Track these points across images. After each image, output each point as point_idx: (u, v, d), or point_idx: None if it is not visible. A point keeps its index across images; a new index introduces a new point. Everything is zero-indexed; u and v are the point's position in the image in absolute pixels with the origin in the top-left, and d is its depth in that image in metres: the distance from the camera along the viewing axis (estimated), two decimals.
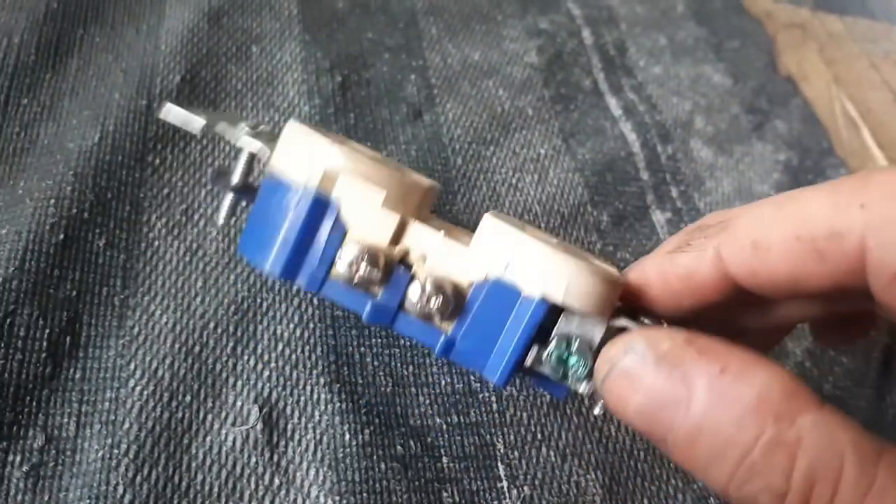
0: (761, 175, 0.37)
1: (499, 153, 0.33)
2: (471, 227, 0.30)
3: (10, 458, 0.22)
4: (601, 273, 0.20)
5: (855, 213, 0.17)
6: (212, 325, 0.26)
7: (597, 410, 0.21)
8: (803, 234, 0.18)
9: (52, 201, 0.26)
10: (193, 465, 0.23)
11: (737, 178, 0.37)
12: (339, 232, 0.20)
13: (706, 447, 0.17)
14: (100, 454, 0.23)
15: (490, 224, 0.20)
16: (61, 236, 0.26)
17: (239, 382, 0.25)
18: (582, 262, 0.20)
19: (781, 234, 0.18)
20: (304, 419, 0.24)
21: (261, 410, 0.24)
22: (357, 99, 0.33)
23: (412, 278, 0.20)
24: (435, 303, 0.20)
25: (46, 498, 0.22)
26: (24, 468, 0.22)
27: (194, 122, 0.22)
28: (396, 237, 0.20)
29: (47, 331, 0.24)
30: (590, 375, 0.20)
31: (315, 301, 0.27)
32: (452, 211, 0.31)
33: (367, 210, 0.20)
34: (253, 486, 0.23)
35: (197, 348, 0.25)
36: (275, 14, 0.35)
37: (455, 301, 0.20)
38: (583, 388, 0.20)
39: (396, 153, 0.32)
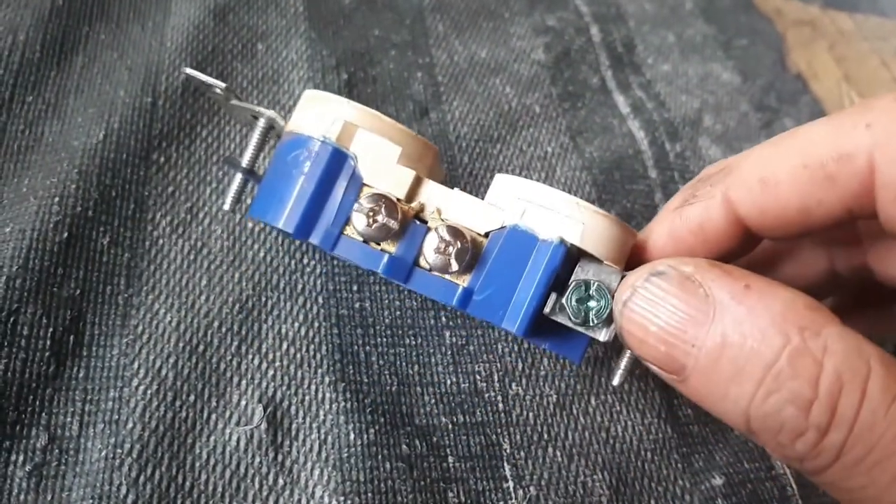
0: None
1: (506, 151, 0.33)
2: None
3: (14, 457, 0.22)
4: (615, 220, 0.20)
5: (861, 133, 0.17)
6: (216, 323, 0.25)
7: (616, 380, 0.21)
8: (811, 161, 0.18)
9: (57, 199, 0.26)
10: (197, 464, 0.23)
11: None
12: (356, 186, 0.20)
13: (729, 363, 0.16)
14: (103, 453, 0.22)
15: (504, 179, 0.21)
16: (65, 234, 0.26)
17: (243, 382, 0.25)
18: (596, 208, 0.20)
19: (788, 165, 0.18)
20: (308, 419, 0.24)
21: (265, 410, 0.24)
22: (363, 96, 0.33)
23: (428, 230, 0.20)
24: (453, 250, 0.20)
25: (49, 497, 0.22)
26: (28, 467, 0.22)
27: (217, 84, 0.22)
28: (411, 194, 0.20)
29: (51, 329, 0.24)
30: (609, 320, 0.20)
31: (320, 300, 0.27)
32: None
33: (384, 165, 0.20)
34: (257, 486, 0.23)
35: (201, 347, 0.25)
36: (281, 11, 0.35)
37: (472, 250, 0.20)
38: (603, 335, 0.20)
39: None
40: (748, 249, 0.21)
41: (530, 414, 0.26)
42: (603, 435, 0.26)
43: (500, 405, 0.26)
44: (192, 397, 0.24)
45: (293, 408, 0.24)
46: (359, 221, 0.20)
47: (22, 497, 0.22)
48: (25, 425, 0.23)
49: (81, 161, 0.27)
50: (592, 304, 0.20)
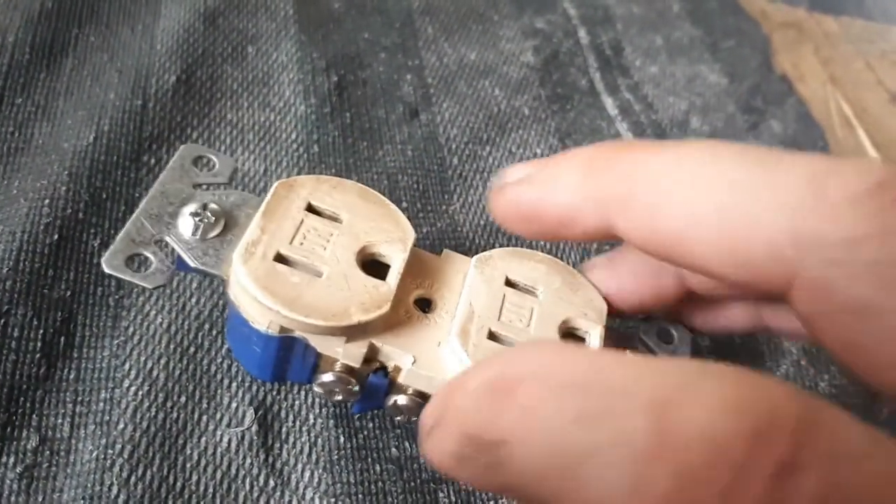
0: None
1: (495, 153, 0.33)
2: (467, 226, 0.30)
3: (4, 459, 0.22)
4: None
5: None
6: (207, 325, 0.25)
7: None
8: (741, 248, 0.16)
9: (47, 201, 0.26)
10: (188, 465, 0.23)
11: None
12: (312, 356, 0.20)
13: None
14: (94, 454, 0.22)
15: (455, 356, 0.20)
16: (56, 236, 0.26)
17: (234, 384, 0.25)
18: None
19: (709, 238, 0.16)
20: (298, 422, 0.24)
21: (256, 412, 0.24)
22: (353, 99, 0.33)
23: (390, 385, 0.21)
24: (411, 413, 0.21)
25: (40, 499, 0.22)
26: (18, 469, 0.22)
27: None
28: (369, 357, 0.20)
29: (41, 331, 0.24)
30: None
31: None
32: (449, 211, 0.31)
33: (333, 345, 0.20)
34: (248, 487, 0.23)
35: (192, 349, 0.25)
36: (270, 14, 0.35)
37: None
38: None
39: (393, 153, 0.32)
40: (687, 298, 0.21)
41: None
42: None
43: None
44: (182, 399, 0.24)
45: (283, 411, 0.25)
46: (321, 393, 0.21)
47: (13, 499, 0.22)
48: (16, 427, 0.23)
49: (72, 163, 0.27)
50: None
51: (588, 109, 0.37)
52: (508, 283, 0.21)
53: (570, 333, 0.21)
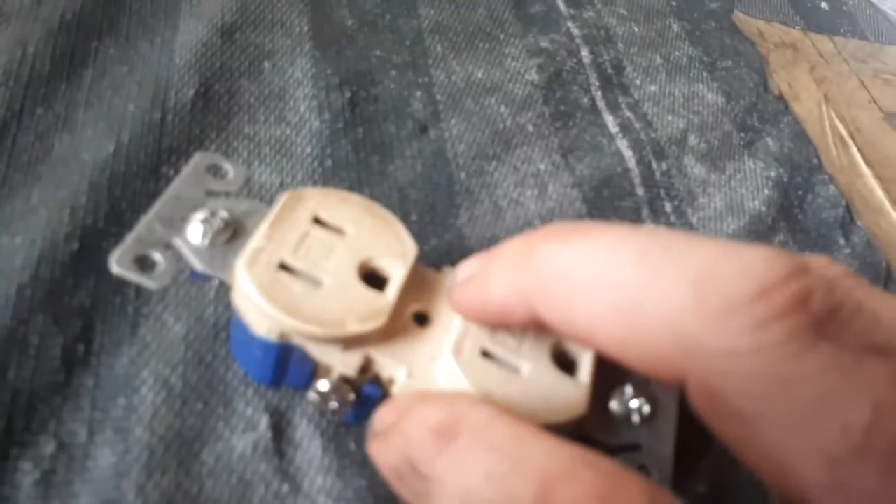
0: (752, 191, 0.38)
1: (501, 168, 0.34)
2: (473, 239, 0.31)
3: (22, 465, 0.22)
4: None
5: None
6: (223, 334, 0.26)
7: None
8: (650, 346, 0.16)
9: (67, 211, 0.27)
10: (204, 471, 0.24)
11: (728, 193, 0.38)
12: (310, 363, 0.21)
13: None
14: (111, 461, 0.23)
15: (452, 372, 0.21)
16: (76, 246, 0.26)
17: (249, 390, 0.25)
18: None
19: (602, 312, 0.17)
20: (311, 427, 0.25)
21: (270, 418, 0.25)
22: (365, 114, 0.34)
23: (384, 396, 0.21)
24: None
25: None
26: (36, 475, 0.22)
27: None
28: (365, 367, 0.21)
29: (61, 338, 0.24)
30: None
31: None
32: (456, 224, 0.31)
33: (330, 353, 0.21)
34: (262, 491, 0.24)
35: (209, 356, 0.26)
36: (286, 31, 0.36)
37: None
38: None
39: (403, 167, 0.33)
40: None
41: None
42: None
43: None
44: (199, 405, 0.25)
45: (297, 417, 0.25)
46: (316, 400, 0.21)
47: None
48: (34, 433, 0.23)
49: (92, 173, 0.28)
50: None
51: (590, 127, 0.38)
52: None
53: (561, 354, 0.21)
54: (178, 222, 0.21)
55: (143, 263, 0.20)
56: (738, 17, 0.50)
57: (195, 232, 0.21)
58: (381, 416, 0.19)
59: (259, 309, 0.20)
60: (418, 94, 0.36)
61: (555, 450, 0.16)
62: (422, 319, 0.22)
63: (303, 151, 0.32)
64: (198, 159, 0.22)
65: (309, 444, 0.25)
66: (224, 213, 0.21)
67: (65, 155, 0.29)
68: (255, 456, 0.24)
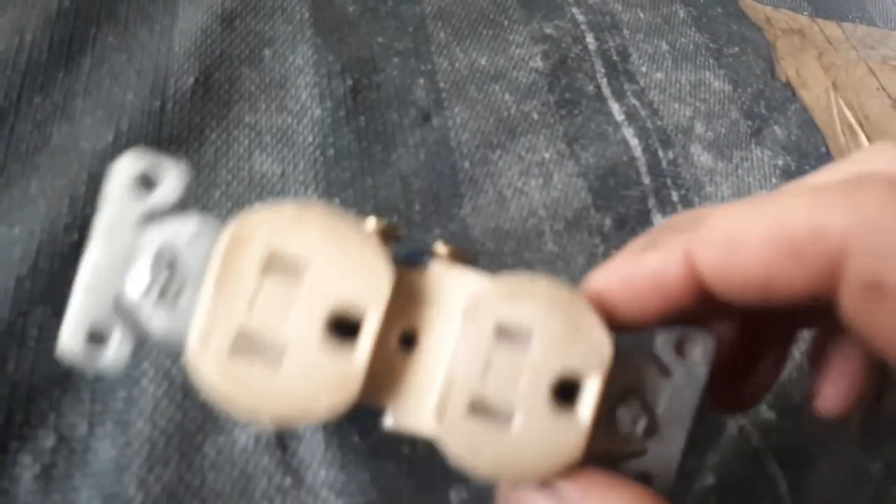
0: (760, 180, 0.38)
1: (505, 157, 0.34)
2: (477, 229, 0.31)
3: (22, 458, 0.22)
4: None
5: (839, 213, 0.16)
6: None
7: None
8: (782, 232, 0.17)
9: (66, 201, 0.26)
10: (206, 464, 0.23)
11: (736, 182, 0.37)
12: None
13: None
14: (112, 454, 0.23)
15: None
16: (75, 236, 0.26)
17: None
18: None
19: (758, 231, 0.17)
20: None
21: None
22: (368, 102, 0.33)
23: None
24: None
25: (58, 499, 0.22)
26: (36, 469, 0.22)
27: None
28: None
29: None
30: None
31: None
32: (460, 214, 0.31)
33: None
34: (265, 485, 0.23)
35: None
36: (287, 17, 0.35)
37: None
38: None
39: (406, 156, 0.33)
40: (711, 313, 0.20)
41: None
42: None
43: None
44: (200, 397, 0.24)
45: None
46: None
47: (30, 498, 0.22)
48: (34, 427, 0.23)
49: (91, 163, 0.28)
50: None
51: (595, 115, 0.37)
52: (500, 329, 0.19)
53: (564, 382, 0.19)
54: (115, 280, 0.17)
55: (96, 342, 0.17)
56: (746, 2, 0.49)
57: (137, 287, 0.17)
58: None
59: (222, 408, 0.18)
60: (421, 81, 0.35)
61: None
62: (409, 340, 0.19)
63: (304, 140, 0.31)
64: (120, 173, 0.18)
65: (311, 437, 0.25)
66: (168, 250, 0.17)
67: (63, 144, 0.28)
68: (258, 449, 0.24)
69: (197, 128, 0.30)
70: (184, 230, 0.18)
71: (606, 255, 0.32)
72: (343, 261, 0.18)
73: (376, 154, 0.32)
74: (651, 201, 0.35)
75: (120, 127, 0.29)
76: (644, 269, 0.19)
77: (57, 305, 0.25)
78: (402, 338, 0.19)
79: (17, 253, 0.25)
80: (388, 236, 0.20)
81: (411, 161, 0.32)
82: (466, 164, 0.33)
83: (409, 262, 0.19)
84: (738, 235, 0.17)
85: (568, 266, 0.31)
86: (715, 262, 0.18)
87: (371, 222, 0.20)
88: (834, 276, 0.16)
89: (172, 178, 0.18)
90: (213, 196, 0.29)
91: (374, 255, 0.18)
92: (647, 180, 0.36)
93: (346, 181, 0.31)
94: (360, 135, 0.32)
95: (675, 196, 0.35)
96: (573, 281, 0.31)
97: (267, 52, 0.33)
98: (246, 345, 0.17)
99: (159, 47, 0.32)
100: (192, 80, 0.31)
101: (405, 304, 0.19)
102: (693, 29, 0.45)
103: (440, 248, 0.20)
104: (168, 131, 0.30)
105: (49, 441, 0.23)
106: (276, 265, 0.18)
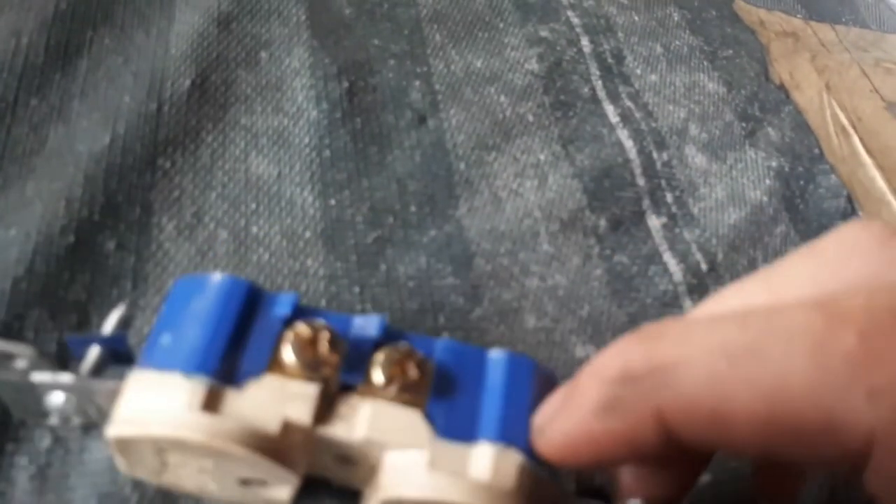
0: (754, 181, 0.38)
1: (500, 158, 0.34)
2: (473, 231, 0.31)
3: (18, 459, 0.22)
4: None
5: (859, 401, 0.13)
6: None
7: None
8: (783, 409, 0.14)
9: (63, 203, 0.27)
10: None
11: (730, 184, 0.37)
12: None
13: None
14: (107, 454, 0.23)
15: None
16: (71, 238, 0.26)
17: None
18: None
19: (750, 402, 0.14)
20: None
21: None
22: (364, 104, 0.34)
23: None
24: None
25: (53, 498, 0.22)
26: (32, 470, 0.22)
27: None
28: None
29: (57, 333, 0.24)
30: None
31: (322, 302, 0.27)
32: (456, 215, 0.31)
33: None
34: None
35: None
36: (283, 20, 0.35)
37: None
38: None
39: (402, 158, 0.33)
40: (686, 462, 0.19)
41: None
42: None
43: None
44: None
45: None
46: None
47: (27, 499, 0.22)
48: (29, 427, 0.23)
49: (87, 165, 0.28)
50: None
51: (590, 117, 0.38)
52: None
53: None
54: None
55: None
56: (739, 5, 0.49)
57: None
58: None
59: None
60: (417, 83, 0.36)
61: None
62: (344, 459, 0.19)
63: (300, 142, 0.31)
64: None
65: None
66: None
67: (60, 146, 0.28)
68: None
69: (193, 130, 0.30)
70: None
71: (601, 255, 0.32)
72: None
73: (372, 156, 0.32)
74: (646, 202, 0.35)
75: (116, 129, 0.29)
76: (610, 433, 0.16)
77: (53, 308, 0.25)
78: (336, 458, 0.19)
79: (13, 255, 0.25)
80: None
81: (407, 163, 0.32)
82: (462, 166, 0.33)
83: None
84: (725, 407, 0.14)
85: (563, 266, 0.31)
86: (699, 434, 0.15)
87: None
88: (854, 461, 0.14)
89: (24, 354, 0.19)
90: (209, 198, 0.29)
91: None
92: (641, 182, 0.36)
93: (342, 182, 0.31)
94: (356, 136, 0.32)
95: (669, 197, 0.36)
96: (569, 281, 0.31)
97: (263, 54, 0.33)
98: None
99: (156, 50, 0.32)
100: (188, 82, 0.31)
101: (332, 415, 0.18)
102: (687, 32, 0.45)
103: (376, 374, 0.19)
104: (164, 133, 0.30)
105: (45, 442, 0.23)
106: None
